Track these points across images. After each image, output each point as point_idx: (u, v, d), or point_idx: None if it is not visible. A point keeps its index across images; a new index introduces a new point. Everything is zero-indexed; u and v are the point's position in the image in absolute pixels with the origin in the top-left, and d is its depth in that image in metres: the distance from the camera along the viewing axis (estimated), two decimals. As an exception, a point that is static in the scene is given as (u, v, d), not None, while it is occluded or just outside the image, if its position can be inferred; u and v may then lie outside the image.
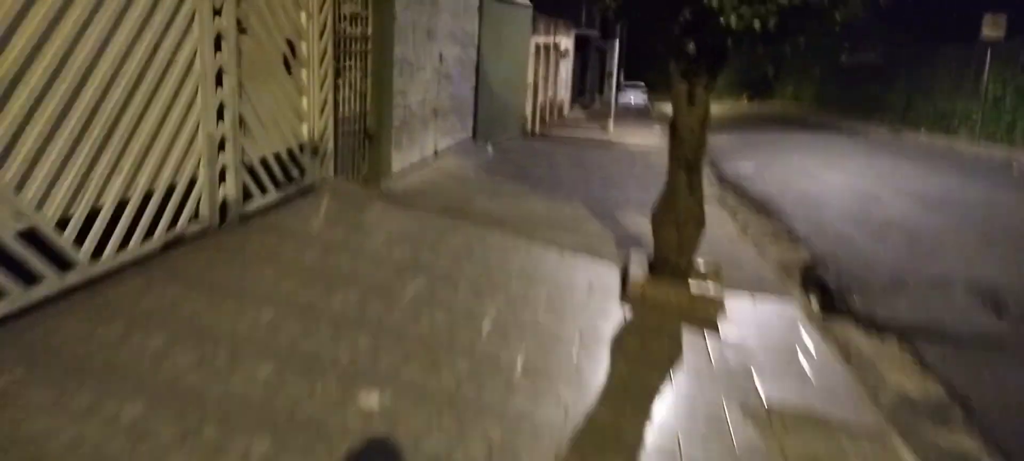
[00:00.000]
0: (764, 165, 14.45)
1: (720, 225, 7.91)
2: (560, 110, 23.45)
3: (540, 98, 18.60)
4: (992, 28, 18.48)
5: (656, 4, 4.92)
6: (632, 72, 45.31)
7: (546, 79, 19.66)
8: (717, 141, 19.70)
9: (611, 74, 20.42)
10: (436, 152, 10.12)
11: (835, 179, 12.43)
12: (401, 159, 8.62)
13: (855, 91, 31.01)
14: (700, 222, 5.27)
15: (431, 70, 9.55)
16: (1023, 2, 19.86)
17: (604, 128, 20.62)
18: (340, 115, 6.76)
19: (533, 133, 17.63)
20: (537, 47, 17.58)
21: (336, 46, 6.56)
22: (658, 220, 5.40)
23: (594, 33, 31.05)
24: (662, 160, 14.56)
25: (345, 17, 6.75)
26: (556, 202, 8.57)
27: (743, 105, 45.52)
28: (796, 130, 24.38)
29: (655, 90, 44.56)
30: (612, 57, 20.22)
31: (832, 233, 8.35)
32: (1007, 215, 9.74)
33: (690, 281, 5.23)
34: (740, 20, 4.34)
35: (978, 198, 10.98)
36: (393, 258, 5.18)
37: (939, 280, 6.73)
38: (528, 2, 15.86)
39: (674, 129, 5.28)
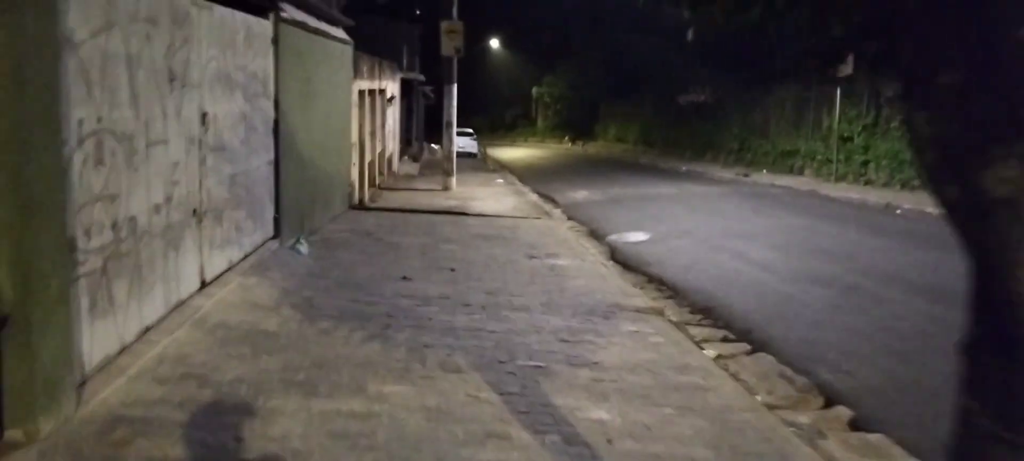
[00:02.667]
0: (655, 232, 11.42)
1: (708, 380, 4.38)
2: (389, 165, 19.38)
3: (368, 157, 14.44)
4: (840, 67, 17.32)
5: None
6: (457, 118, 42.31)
7: (373, 133, 15.53)
8: (577, 197, 16.66)
9: (450, 124, 16.76)
10: (205, 283, 5.67)
11: (759, 253, 9.57)
12: (113, 333, 4.13)
13: (683, 131, 30.09)
14: None
15: (183, 143, 5.16)
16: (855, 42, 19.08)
17: (446, 186, 16.84)
18: None
19: (363, 204, 13.38)
20: (361, 94, 13.45)
21: None
22: None
23: (418, 76, 27.43)
24: (539, 236, 10.93)
25: None
26: (432, 375, 4.55)
27: (567, 147, 44.16)
28: (645, 177, 22.22)
29: (481, 135, 41.73)
30: (450, 103, 16.60)
31: (876, 379, 5.13)
32: None
33: None
34: None
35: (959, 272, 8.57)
36: None
37: None
38: (346, 37, 11.74)
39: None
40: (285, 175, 7.83)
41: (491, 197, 15.98)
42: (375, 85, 15.35)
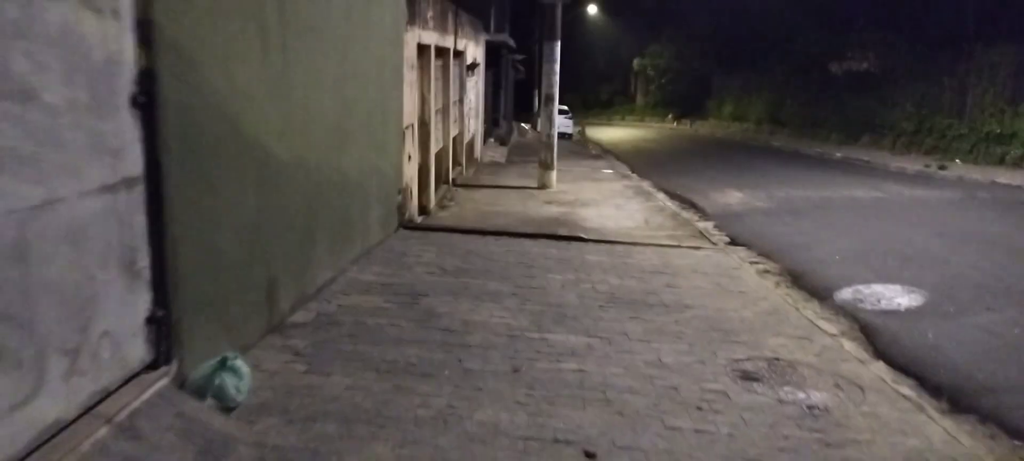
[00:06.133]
0: (922, 286, 6.15)
1: None
2: (471, 152, 14.71)
3: (436, 144, 9.76)
4: None
5: None
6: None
7: (446, 110, 10.83)
8: (730, 202, 11.35)
9: (552, 98, 11.88)
10: None
11: None
12: None
13: (828, 107, 23.84)
14: None
15: None
16: None
17: (543, 183, 12.00)
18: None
19: (426, 213, 8.72)
20: (424, 50, 8.74)
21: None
22: None
23: (508, 40, 22.46)
24: (717, 293, 4.53)
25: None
26: None
27: (672, 127, 38.22)
28: (803, 170, 16.55)
29: (575, 112, 36.38)
30: (552, 69, 11.67)
31: None
32: None
33: None
34: None
35: None
36: None
37: None
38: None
39: None
40: (188, 207, 3.18)
41: (607, 200, 11.01)
42: (448, 42, 10.61)
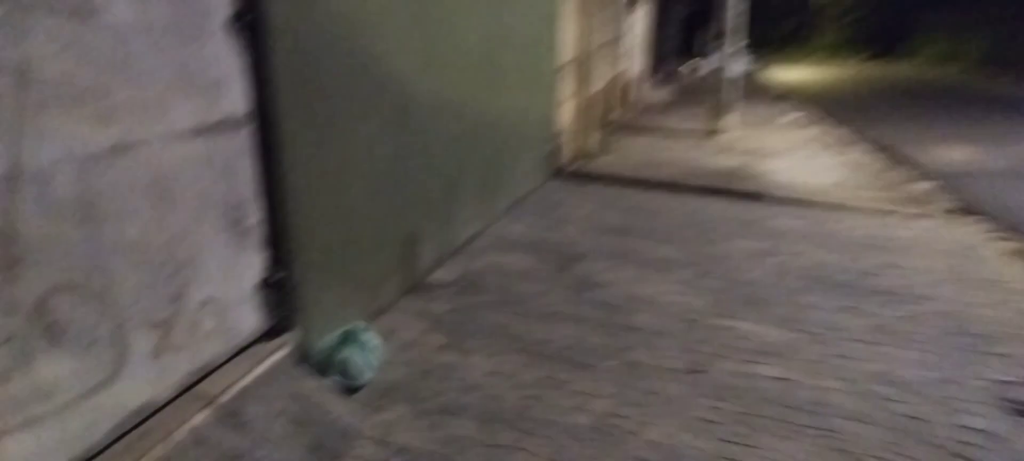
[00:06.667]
0: None
1: None
2: (632, 93, 13.60)
3: (596, 84, 8.89)
4: None
5: None
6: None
7: (607, 46, 9.86)
8: (953, 158, 9.40)
9: (726, 32, 10.45)
10: None
11: None
12: None
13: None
14: None
15: None
16: None
17: (714, 129, 10.75)
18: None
19: (582, 165, 7.97)
20: (588, -23, 7.83)
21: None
22: None
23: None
24: (957, 284, 3.75)
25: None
26: None
27: (863, 68, 33.85)
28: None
29: (749, 48, 33.19)
30: (728, 1, 10.18)
31: None
32: None
33: None
34: None
35: None
36: None
37: None
38: None
39: None
40: (310, 152, 2.67)
41: (792, 151, 9.56)
42: (616, -31, 9.56)
